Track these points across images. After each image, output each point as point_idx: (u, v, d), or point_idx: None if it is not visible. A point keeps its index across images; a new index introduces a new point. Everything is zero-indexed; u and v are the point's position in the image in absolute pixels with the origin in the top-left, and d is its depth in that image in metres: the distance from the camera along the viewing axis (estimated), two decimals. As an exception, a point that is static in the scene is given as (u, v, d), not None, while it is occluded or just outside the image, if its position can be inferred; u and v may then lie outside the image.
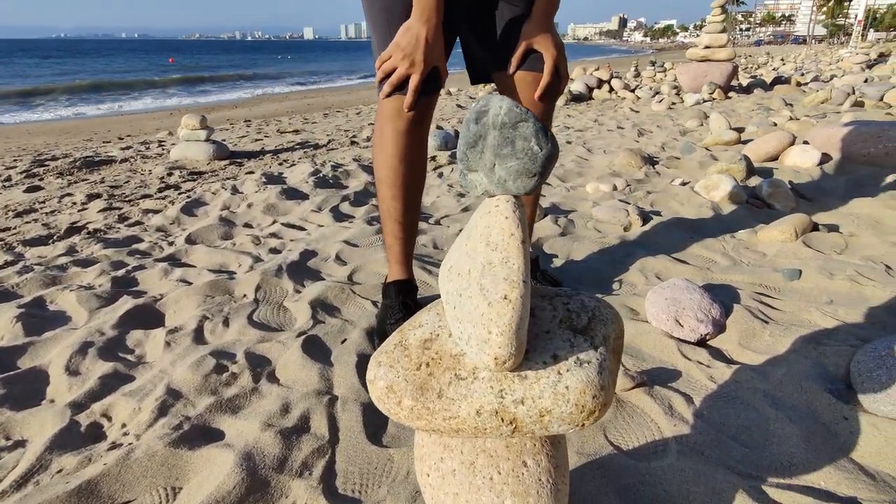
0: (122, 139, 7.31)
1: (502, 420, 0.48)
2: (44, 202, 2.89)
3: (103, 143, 6.53)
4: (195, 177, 3.40)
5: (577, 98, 6.97)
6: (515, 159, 0.47)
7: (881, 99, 4.89)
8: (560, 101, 6.43)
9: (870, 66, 11.15)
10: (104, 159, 3.97)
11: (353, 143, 4.46)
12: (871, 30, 62.97)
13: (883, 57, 12.52)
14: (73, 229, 2.40)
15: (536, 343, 0.50)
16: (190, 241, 2.19)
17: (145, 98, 18.98)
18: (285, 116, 8.51)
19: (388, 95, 1.12)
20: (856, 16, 34.31)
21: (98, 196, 2.95)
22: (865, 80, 7.21)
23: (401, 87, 1.11)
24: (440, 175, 3.15)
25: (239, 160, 3.88)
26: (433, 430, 0.51)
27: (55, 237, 2.30)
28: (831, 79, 7.93)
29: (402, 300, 1.35)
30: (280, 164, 3.75)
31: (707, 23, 6.49)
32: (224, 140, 5.14)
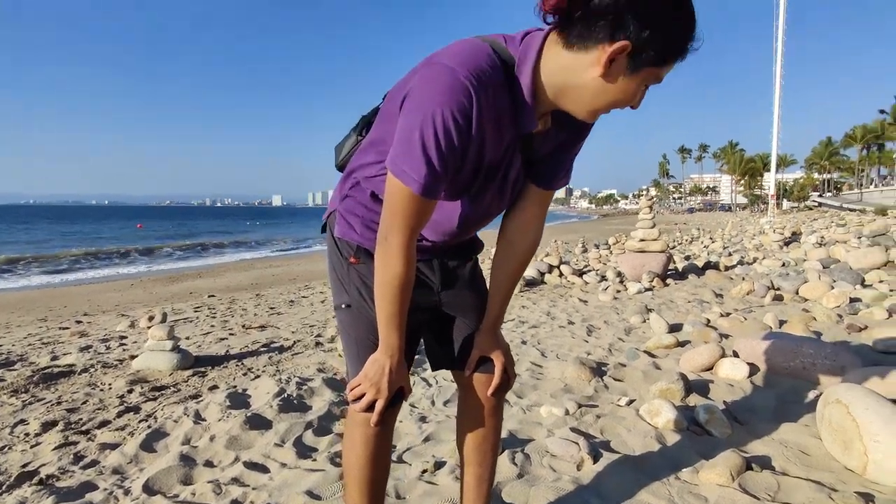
0: (80, 323, 7.25)
1: None
2: (-6, 433, 2.81)
3: (59, 330, 6.47)
4: (156, 393, 3.40)
5: (530, 283, 7.48)
6: None
7: (797, 292, 5.48)
8: (515, 289, 6.89)
9: (787, 244, 12.52)
10: (63, 371, 3.93)
11: (317, 344, 4.60)
12: (785, 199, 71.40)
13: (795, 235, 14.11)
14: (25, 475, 2.33)
15: None
16: (147, 489, 2.16)
17: (107, 267, 19.05)
18: (251, 298, 8.69)
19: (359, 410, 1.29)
20: (769, 188, 39.18)
21: (54, 424, 2.90)
22: (783, 264, 8.09)
23: (369, 406, 1.28)
24: (402, 390, 3.26)
25: (202, 369, 3.92)
26: None
27: (4, 487, 2.23)
28: (754, 261, 8.84)
29: None
30: (245, 373, 3.81)
31: (639, 219, 7.35)
32: (188, 338, 5.21)
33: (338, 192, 1.35)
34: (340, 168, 1.39)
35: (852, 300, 4.85)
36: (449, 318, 1.45)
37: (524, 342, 4.41)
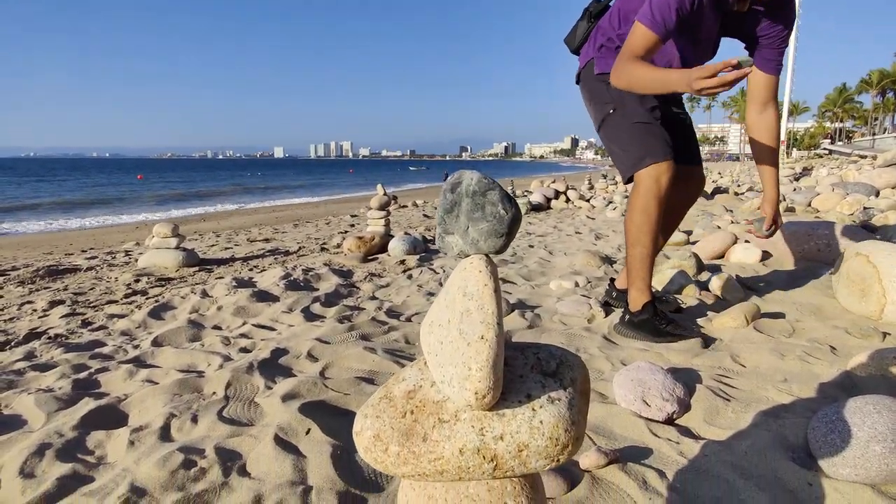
0: (86, 251, 7.25)
1: (484, 458, 0.52)
2: (2, 310, 2.81)
3: (66, 255, 6.46)
4: (163, 283, 3.39)
5: (536, 208, 7.38)
6: (486, 221, 0.55)
7: (809, 204, 5.37)
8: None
9: (797, 178, 12.30)
10: (68, 268, 3.93)
11: (323, 249, 4.56)
12: (794, 149, 69.94)
13: (806, 171, 13.86)
14: (33, 335, 2.34)
15: (511, 385, 0.56)
16: (157, 343, 2.16)
17: (109, 213, 18.87)
18: (255, 227, 8.67)
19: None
20: (779, 136, 38.30)
21: (61, 302, 2.90)
22: (794, 189, 7.93)
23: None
24: (409, 276, 3.24)
25: (209, 266, 3.91)
26: (418, 475, 0.54)
27: (13, 343, 2.23)
28: (764, 189, 8.69)
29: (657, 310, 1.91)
30: (250, 269, 3.79)
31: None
32: (194, 249, 5.18)
33: (590, 47, 2.00)
34: (576, 50, 2.09)
35: (866, 208, 4.75)
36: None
37: (531, 246, 4.36)
